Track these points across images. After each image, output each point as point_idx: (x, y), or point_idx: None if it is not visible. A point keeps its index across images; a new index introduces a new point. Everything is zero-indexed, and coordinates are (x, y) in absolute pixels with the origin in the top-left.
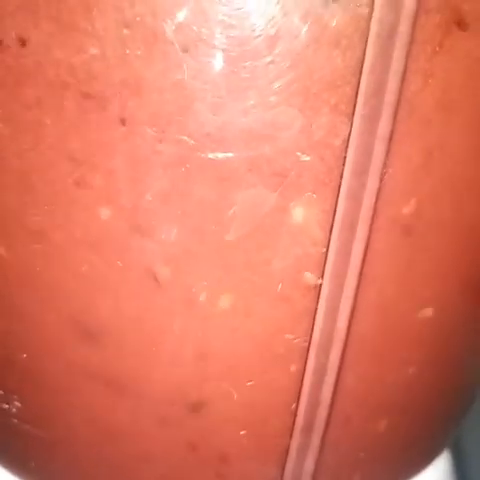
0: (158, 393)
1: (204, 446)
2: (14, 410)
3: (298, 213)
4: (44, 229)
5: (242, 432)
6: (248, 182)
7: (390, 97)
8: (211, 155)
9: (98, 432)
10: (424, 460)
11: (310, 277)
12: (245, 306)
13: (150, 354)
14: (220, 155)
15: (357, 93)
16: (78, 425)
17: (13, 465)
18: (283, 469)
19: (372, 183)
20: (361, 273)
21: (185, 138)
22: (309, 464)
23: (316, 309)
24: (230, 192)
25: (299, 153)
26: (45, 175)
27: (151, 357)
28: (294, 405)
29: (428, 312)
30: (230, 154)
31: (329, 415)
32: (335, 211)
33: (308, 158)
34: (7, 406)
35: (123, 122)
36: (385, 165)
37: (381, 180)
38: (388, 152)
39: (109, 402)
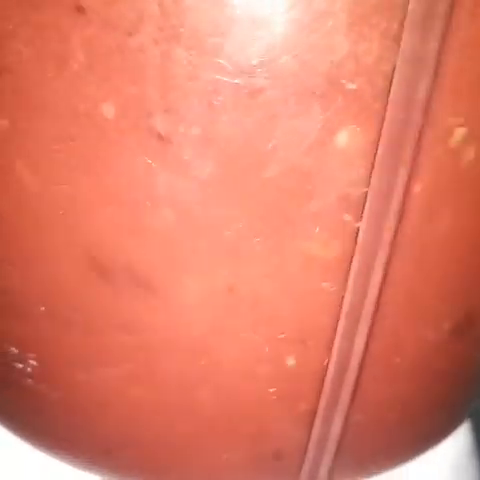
0: (178, 343)
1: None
2: (29, 369)
3: (340, 145)
4: None
5: (272, 389)
6: (289, 112)
7: (439, 23)
8: (248, 81)
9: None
10: (446, 429)
11: (349, 220)
12: (278, 247)
13: (175, 296)
14: (259, 82)
15: (405, 18)
16: (100, 385)
17: (23, 430)
18: (310, 430)
19: (417, 113)
20: (401, 214)
21: (222, 62)
22: (337, 424)
23: (353, 255)
24: (269, 123)
25: (344, 81)
26: None
27: (176, 300)
28: (326, 361)
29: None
30: (270, 81)
31: (359, 374)
32: (378, 145)
33: (354, 86)
34: (21, 366)
35: (157, 42)
36: (433, 86)
37: (428, 105)
38: (436, 76)
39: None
